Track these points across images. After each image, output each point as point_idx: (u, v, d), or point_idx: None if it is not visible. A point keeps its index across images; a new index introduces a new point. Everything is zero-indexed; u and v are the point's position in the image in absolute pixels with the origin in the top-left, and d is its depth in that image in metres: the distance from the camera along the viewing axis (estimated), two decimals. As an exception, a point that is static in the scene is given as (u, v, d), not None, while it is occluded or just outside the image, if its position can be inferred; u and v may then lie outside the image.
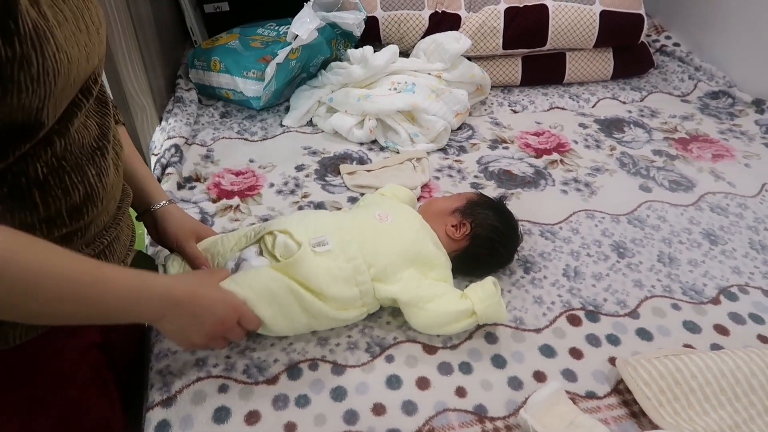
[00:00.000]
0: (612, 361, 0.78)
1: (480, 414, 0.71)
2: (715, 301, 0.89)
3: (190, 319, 0.65)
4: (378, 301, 0.80)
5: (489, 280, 0.79)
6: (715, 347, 0.81)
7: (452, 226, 0.87)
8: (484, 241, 0.86)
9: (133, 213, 0.81)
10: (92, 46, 0.55)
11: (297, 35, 1.22)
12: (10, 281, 0.47)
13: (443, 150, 1.24)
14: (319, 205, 1.05)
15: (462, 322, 0.77)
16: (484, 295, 0.77)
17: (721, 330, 0.84)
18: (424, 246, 0.82)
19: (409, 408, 0.71)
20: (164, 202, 0.82)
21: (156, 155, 1.18)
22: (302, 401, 0.71)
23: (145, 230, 0.99)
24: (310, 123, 1.33)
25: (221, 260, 0.81)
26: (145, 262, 0.87)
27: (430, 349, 0.79)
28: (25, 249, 0.48)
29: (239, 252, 0.81)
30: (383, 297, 0.78)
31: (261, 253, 0.79)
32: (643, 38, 1.52)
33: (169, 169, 1.11)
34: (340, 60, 1.38)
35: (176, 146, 1.17)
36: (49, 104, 0.49)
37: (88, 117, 0.59)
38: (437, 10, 1.46)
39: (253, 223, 1.00)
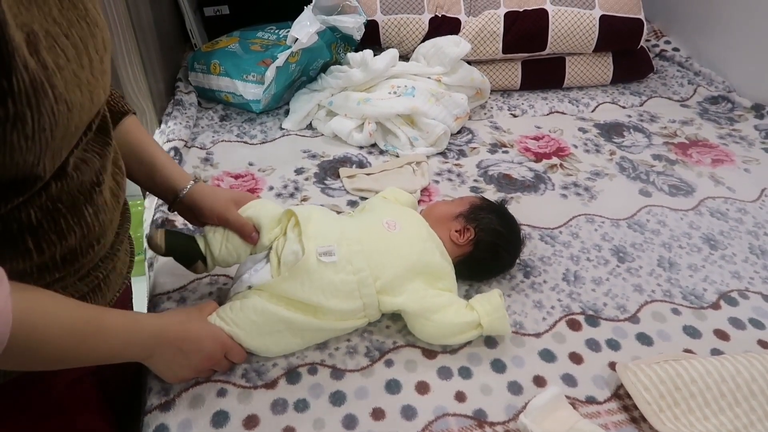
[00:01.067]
0: (612, 365, 0.78)
1: (480, 419, 0.71)
2: (716, 305, 0.89)
3: (178, 355, 0.66)
4: (380, 312, 0.79)
5: (495, 293, 0.79)
6: (716, 352, 0.81)
7: (456, 231, 0.86)
8: (488, 246, 0.86)
9: (137, 225, 0.81)
10: (96, 82, 0.50)
11: (297, 39, 1.22)
12: (18, 342, 0.46)
13: (443, 154, 1.24)
14: (319, 209, 1.05)
15: (467, 333, 0.77)
16: (491, 308, 0.77)
17: (721, 335, 0.84)
18: (431, 257, 0.80)
19: (408, 413, 0.71)
20: (190, 183, 0.77)
21: (155, 158, 1.17)
22: (301, 406, 0.71)
23: (144, 233, 0.99)
24: (310, 126, 1.33)
25: (267, 225, 0.78)
26: (178, 238, 0.80)
27: (429, 354, 0.78)
28: (32, 308, 0.48)
29: (246, 259, 0.80)
30: (387, 309, 0.78)
31: (268, 261, 0.77)
32: (642, 43, 1.52)
33: (168, 172, 1.11)
34: (340, 63, 1.38)
35: (176, 149, 1.17)
36: (45, 158, 0.46)
37: (86, 151, 0.55)
38: (437, 14, 1.47)
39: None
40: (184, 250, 0.78)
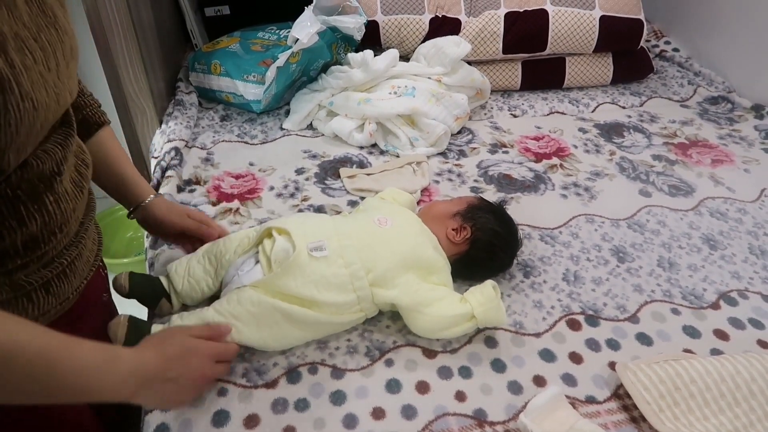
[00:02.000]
0: (612, 365, 0.78)
1: (480, 418, 0.71)
2: (715, 306, 0.89)
3: (168, 385, 0.62)
4: (376, 306, 0.80)
5: (488, 284, 0.79)
6: (715, 352, 0.81)
7: (453, 229, 0.87)
8: (485, 245, 0.86)
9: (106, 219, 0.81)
10: (62, 85, 0.52)
11: (298, 39, 1.22)
12: None
13: (443, 154, 1.24)
14: (319, 209, 1.05)
15: (461, 325, 0.77)
16: (484, 299, 0.77)
17: (720, 335, 0.84)
18: (423, 251, 0.81)
19: (408, 412, 0.71)
20: (150, 197, 0.84)
21: (156, 158, 1.18)
22: (301, 405, 0.71)
23: (145, 233, 0.99)
24: (311, 126, 1.33)
25: (225, 261, 0.81)
26: (142, 278, 0.83)
27: (429, 354, 0.78)
28: None
29: (239, 258, 0.81)
30: (382, 302, 0.78)
31: (258, 262, 0.79)
32: (642, 43, 1.53)
33: (169, 172, 1.11)
34: (341, 64, 1.38)
35: (176, 149, 1.17)
36: (10, 152, 0.47)
37: (46, 141, 0.56)
38: (437, 14, 1.47)
39: (252, 226, 1.00)
40: (148, 289, 0.81)
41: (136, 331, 0.72)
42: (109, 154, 0.79)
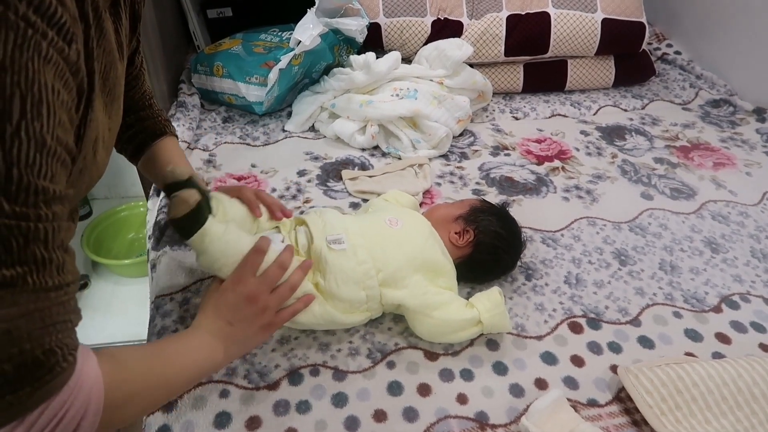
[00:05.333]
0: (613, 368, 0.78)
1: (481, 421, 0.71)
2: (717, 309, 0.89)
3: (241, 326, 0.66)
4: (382, 307, 0.80)
5: (495, 290, 0.80)
6: (717, 356, 0.81)
7: (456, 233, 0.87)
8: (488, 248, 0.86)
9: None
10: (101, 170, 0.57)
11: (300, 41, 1.22)
12: (115, 402, 0.49)
13: (445, 156, 1.24)
14: (321, 211, 1.06)
15: (467, 330, 0.77)
16: (491, 304, 0.77)
17: (722, 338, 0.84)
18: (432, 253, 0.82)
19: (410, 414, 0.71)
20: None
21: (158, 159, 1.18)
22: (303, 407, 0.71)
23: (147, 234, 0.99)
24: (313, 128, 1.33)
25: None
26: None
27: (431, 356, 0.78)
28: (112, 366, 0.50)
29: (265, 233, 0.80)
30: (389, 303, 0.78)
31: (283, 241, 0.79)
32: (644, 46, 1.53)
33: (171, 174, 1.11)
34: (343, 66, 1.39)
35: (179, 151, 1.17)
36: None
37: None
38: (439, 17, 1.47)
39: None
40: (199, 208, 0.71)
41: (195, 215, 0.68)
42: (163, 160, 0.82)
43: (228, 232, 0.70)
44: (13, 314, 0.39)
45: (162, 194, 1.07)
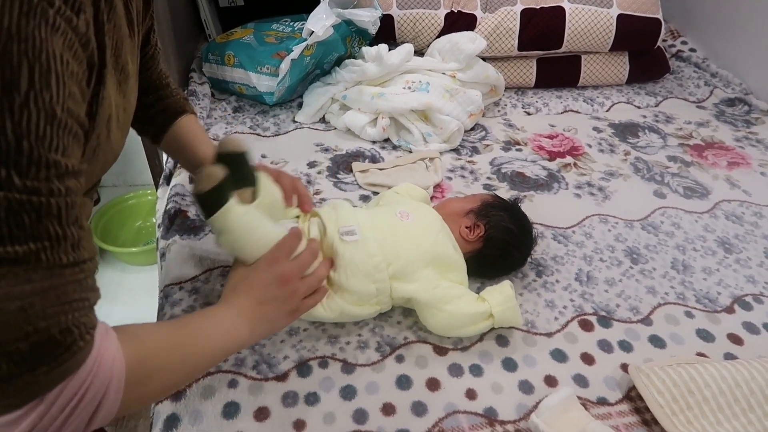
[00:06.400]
0: (624, 367, 0.77)
1: (490, 417, 0.70)
2: (729, 309, 0.88)
3: (269, 306, 0.66)
4: (392, 301, 0.79)
5: (506, 284, 0.79)
6: (729, 356, 0.80)
7: (466, 227, 0.86)
8: (498, 243, 0.85)
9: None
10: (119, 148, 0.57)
11: (312, 31, 1.21)
12: (137, 378, 0.48)
13: (456, 150, 1.24)
14: (331, 203, 1.05)
15: (478, 324, 0.77)
16: (502, 298, 0.77)
17: (734, 339, 0.83)
18: (444, 247, 0.81)
19: (418, 409, 0.71)
20: None
21: (168, 148, 1.17)
22: (312, 399, 0.71)
23: (156, 222, 0.99)
24: (323, 120, 1.33)
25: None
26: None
27: (440, 350, 0.78)
28: (134, 344, 0.49)
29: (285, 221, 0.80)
30: (399, 296, 0.78)
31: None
32: (659, 43, 1.51)
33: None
34: (355, 57, 1.38)
35: (189, 140, 1.17)
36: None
37: None
38: (453, 9, 1.46)
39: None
40: (224, 185, 0.68)
41: (219, 192, 0.67)
42: (186, 137, 0.82)
43: (249, 213, 0.70)
44: (27, 291, 0.39)
45: (172, 183, 1.07)
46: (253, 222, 0.69)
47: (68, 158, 0.40)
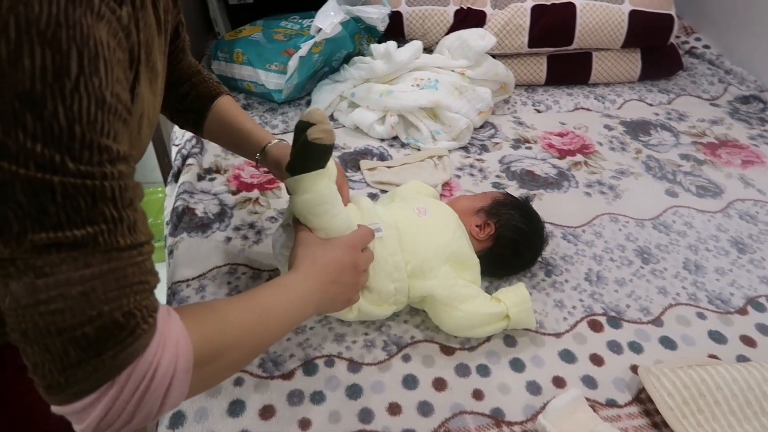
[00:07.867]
0: (634, 369, 0.76)
1: (497, 418, 0.70)
2: (743, 311, 0.87)
3: (336, 286, 0.66)
4: (408, 300, 0.78)
5: (521, 285, 0.79)
6: (741, 359, 0.79)
7: (476, 225, 0.85)
8: (508, 242, 0.85)
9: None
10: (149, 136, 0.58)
11: (320, 29, 1.21)
12: (205, 359, 0.47)
13: (465, 148, 1.23)
14: (339, 201, 1.05)
15: (493, 325, 0.76)
16: (518, 299, 0.76)
17: (747, 341, 0.82)
18: (460, 245, 0.80)
19: (425, 409, 0.70)
20: (274, 141, 0.82)
21: (177, 146, 1.18)
22: (317, 398, 0.71)
23: (164, 220, 0.99)
24: (332, 117, 1.32)
25: None
26: None
27: (447, 350, 0.77)
28: (202, 323, 0.49)
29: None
30: (416, 295, 0.77)
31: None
32: (672, 39, 1.49)
33: (189, 160, 1.11)
34: (363, 55, 1.37)
35: (197, 138, 1.17)
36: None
37: None
38: (462, 6, 1.45)
39: (272, 217, 1.00)
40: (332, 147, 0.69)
41: (329, 150, 0.67)
42: (227, 116, 0.83)
43: (334, 186, 0.71)
44: (87, 276, 0.39)
45: (180, 180, 1.07)
46: (337, 196, 0.70)
47: (118, 144, 0.40)
